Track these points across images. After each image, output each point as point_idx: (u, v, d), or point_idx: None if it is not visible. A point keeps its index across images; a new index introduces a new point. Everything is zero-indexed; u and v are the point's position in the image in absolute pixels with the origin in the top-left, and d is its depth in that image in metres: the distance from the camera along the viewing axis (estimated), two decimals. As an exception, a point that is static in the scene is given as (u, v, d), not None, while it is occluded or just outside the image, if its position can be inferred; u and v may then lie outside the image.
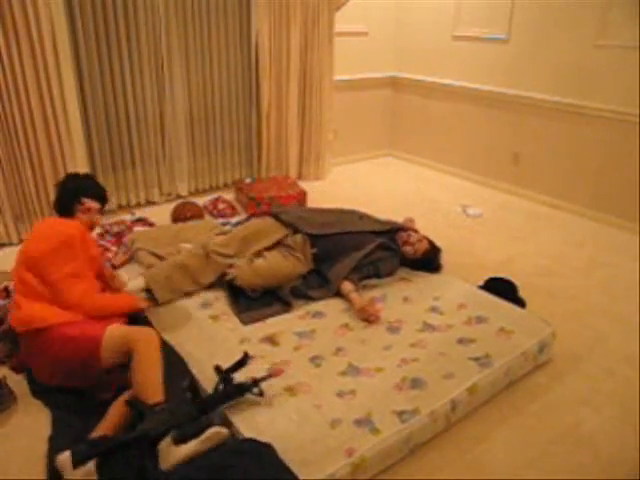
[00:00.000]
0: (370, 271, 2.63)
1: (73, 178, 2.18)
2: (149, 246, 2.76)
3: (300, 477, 1.55)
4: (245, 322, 2.28)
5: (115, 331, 1.87)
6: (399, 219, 3.88)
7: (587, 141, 3.84)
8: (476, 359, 2.08)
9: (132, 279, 2.40)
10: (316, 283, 2.57)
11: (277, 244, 2.67)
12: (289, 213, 2.83)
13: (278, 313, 2.37)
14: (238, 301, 2.42)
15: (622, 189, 3.71)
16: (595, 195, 3.88)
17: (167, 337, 2.18)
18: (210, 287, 2.52)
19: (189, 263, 2.47)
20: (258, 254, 2.61)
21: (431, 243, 2.80)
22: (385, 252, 2.70)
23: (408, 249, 2.73)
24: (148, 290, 2.38)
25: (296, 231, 2.69)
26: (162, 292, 2.39)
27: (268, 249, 2.64)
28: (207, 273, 2.51)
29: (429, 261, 2.77)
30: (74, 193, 2.09)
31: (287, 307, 2.41)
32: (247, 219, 2.99)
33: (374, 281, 2.65)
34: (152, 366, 1.76)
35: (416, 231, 2.87)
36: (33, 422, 1.87)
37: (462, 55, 4.53)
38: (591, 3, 3.60)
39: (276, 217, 2.77)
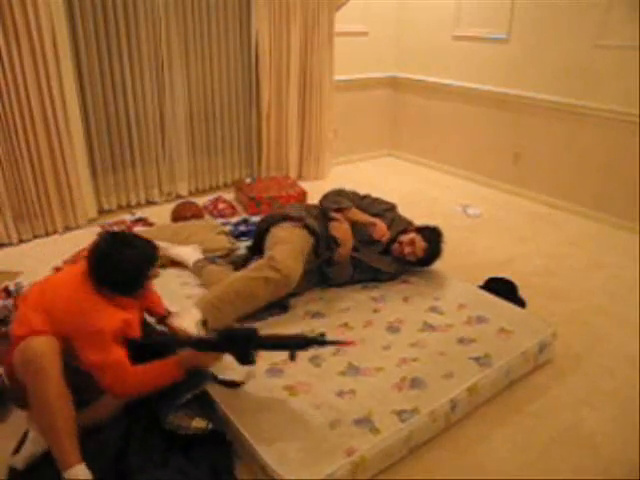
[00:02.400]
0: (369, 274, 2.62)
1: (123, 247, 1.70)
2: None
3: (300, 477, 1.55)
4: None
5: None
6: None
7: (587, 141, 3.84)
8: (476, 359, 2.08)
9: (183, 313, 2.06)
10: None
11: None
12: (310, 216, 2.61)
13: (272, 316, 2.34)
14: None
15: (622, 189, 3.71)
16: (595, 195, 3.88)
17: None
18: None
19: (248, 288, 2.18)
20: None
21: (425, 236, 2.65)
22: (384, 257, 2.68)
23: (410, 257, 2.62)
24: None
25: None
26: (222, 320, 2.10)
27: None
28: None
29: (434, 254, 2.67)
30: (140, 270, 1.73)
31: (283, 310, 2.39)
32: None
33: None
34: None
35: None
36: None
37: (462, 55, 4.53)
38: (591, 3, 3.60)
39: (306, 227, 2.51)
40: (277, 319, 2.32)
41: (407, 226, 2.78)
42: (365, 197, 2.88)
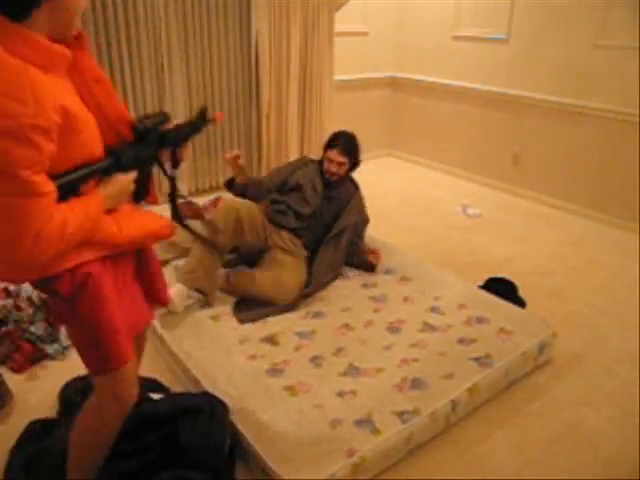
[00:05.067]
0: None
1: None
2: None
3: (300, 477, 1.56)
4: (243, 321, 2.29)
5: None
6: (399, 219, 3.88)
7: (587, 141, 3.85)
8: (476, 359, 2.08)
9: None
10: None
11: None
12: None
13: (276, 313, 2.37)
14: (238, 301, 2.42)
15: (622, 189, 3.71)
16: (595, 195, 3.88)
17: (167, 337, 2.18)
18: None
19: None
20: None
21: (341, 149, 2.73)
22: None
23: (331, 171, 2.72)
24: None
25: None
26: (209, 284, 2.38)
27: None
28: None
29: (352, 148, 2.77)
30: None
31: (289, 307, 2.41)
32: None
33: (374, 280, 2.65)
34: None
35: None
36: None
37: (462, 55, 4.53)
38: (591, 3, 3.60)
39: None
40: (277, 319, 2.32)
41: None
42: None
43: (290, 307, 2.42)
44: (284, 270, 2.49)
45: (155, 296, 1.51)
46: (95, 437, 1.42)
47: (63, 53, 1.09)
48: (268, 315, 2.35)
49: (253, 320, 2.30)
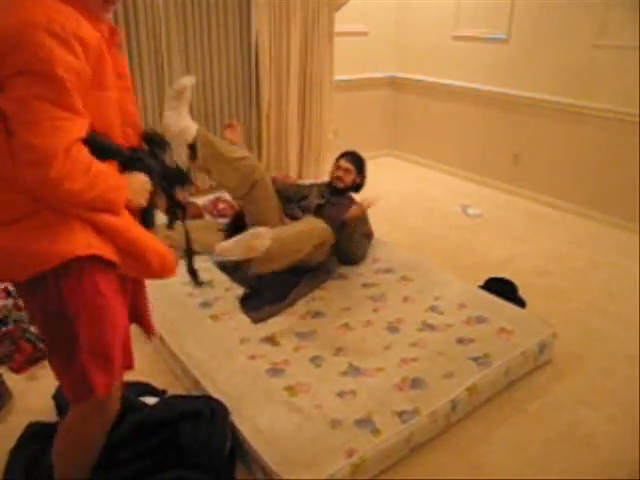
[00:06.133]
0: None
1: None
2: None
3: (300, 477, 1.55)
4: (257, 321, 2.28)
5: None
6: (399, 219, 3.89)
7: (587, 141, 3.84)
8: (476, 359, 2.08)
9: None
10: None
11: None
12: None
13: (290, 305, 2.39)
14: (246, 298, 2.43)
15: (622, 189, 3.71)
16: (595, 195, 3.88)
17: (167, 337, 2.18)
18: (210, 287, 2.51)
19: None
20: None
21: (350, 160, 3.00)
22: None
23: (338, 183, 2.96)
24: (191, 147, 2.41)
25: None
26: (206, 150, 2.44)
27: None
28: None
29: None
30: None
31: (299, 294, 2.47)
32: None
33: (374, 280, 2.65)
34: None
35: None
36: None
37: (462, 55, 4.53)
38: (591, 3, 3.60)
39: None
40: (277, 319, 2.32)
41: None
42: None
43: (304, 291, 2.49)
44: (311, 219, 2.64)
45: (143, 325, 1.53)
46: (79, 448, 1.41)
47: (109, 25, 1.23)
48: (280, 311, 2.35)
49: (267, 318, 2.30)
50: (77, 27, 1.07)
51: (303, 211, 2.81)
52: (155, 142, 1.38)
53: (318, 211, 2.79)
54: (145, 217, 1.34)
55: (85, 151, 1.10)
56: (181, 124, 2.35)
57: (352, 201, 2.93)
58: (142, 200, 1.29)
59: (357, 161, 2.99)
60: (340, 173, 2.94)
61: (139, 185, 1.27)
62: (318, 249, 2.53)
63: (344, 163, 2.96)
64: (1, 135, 1.06)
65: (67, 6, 1.09)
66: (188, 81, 2.29)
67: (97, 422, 1.37)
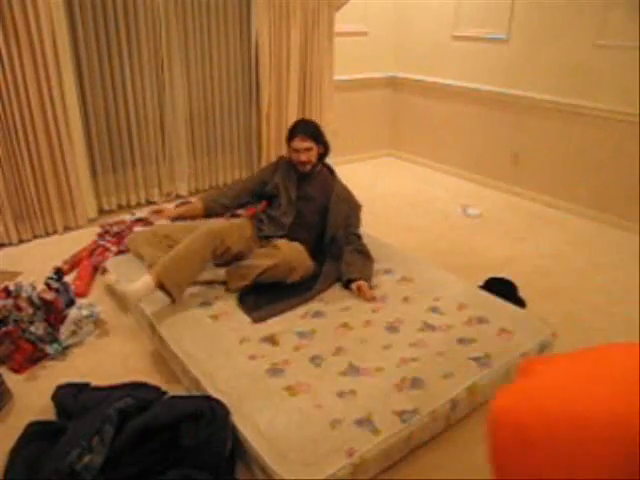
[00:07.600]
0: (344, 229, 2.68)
1: None
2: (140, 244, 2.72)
3: (300, 477, 1.55)
4: (257, 320, 2.28)
5: None
6: (399, 219, 3.89)
7: (587, 141, 3.85)
8: (476, 359, 2.07)
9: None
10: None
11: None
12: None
13: (291, 308, 2.38)
14: (246, 297, 2.42)
15: (622, 189, 3.71)
16: (595, 195, 3.88)
17: (167, 337, 2.18)
18: (210, 286, 2.52)
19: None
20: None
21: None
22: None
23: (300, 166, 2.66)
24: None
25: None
26: (177, 288, 2.25)
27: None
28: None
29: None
30: None
31: (302, 300, 2.43)
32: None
33: (374, 280, 2.65)
34: None
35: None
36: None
37: (462, 55, 4.53)
38: (591, 3, 3.60)
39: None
40: (277, 319, 2.32)
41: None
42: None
43: (306, 297, 2.44)
44: (289, 245, 2.49)
45: None
46: None
47: None
48: (283, 311, 2.34)
49: (268, 318, 2.30)
50: None
51: (281, 226, 2.66)
52: None
53: (299, 220, 2.66)
54: None
55: None
56: (136, 288, 2.18)
57: (326, 168, 2.76)
58: None
59: (310, 131, 2.61)
60: (302, 157, 2.60)
61: None
62: (293, 272, 2.44)
63: (299, 143, 2.58)
64: None
65: None
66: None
67: None
